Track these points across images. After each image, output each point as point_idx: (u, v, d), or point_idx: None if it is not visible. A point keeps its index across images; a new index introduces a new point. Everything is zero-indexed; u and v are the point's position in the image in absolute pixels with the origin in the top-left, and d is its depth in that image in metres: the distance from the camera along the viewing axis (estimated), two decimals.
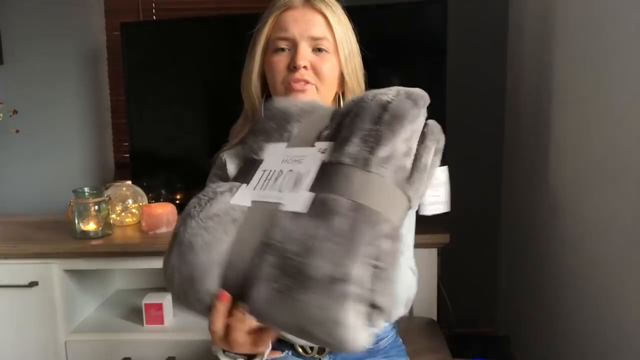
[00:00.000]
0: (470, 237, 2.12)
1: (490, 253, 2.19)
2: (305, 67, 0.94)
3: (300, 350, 1.09)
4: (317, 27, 0.95)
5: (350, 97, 0.99)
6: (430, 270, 1.64)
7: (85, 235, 1.65)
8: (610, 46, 1.33)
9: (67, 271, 1.67)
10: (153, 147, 1.97)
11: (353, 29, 1.02)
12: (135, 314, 1.77)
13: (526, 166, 1.89)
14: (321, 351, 1.08)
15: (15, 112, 2.00)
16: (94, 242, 1.62)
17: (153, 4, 2.12)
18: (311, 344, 1.07)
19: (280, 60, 0.95)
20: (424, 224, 1.79)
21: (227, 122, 2.04)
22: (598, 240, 1.40)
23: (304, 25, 0.95)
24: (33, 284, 1.62)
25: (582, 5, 1.47)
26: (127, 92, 1.93)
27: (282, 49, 0.95)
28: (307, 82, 0.95)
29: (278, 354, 1.05)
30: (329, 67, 0.96)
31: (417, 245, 1.53)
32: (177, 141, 1.94)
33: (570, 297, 1.55)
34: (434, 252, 1.64)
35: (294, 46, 0.95)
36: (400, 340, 1.18)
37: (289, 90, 0.95)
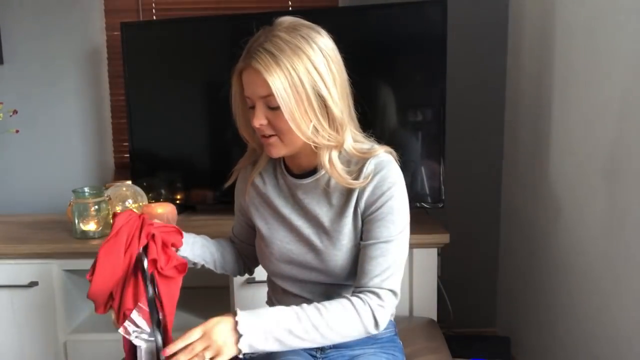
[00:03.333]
0: (470, 237, 2.12)
1: (490, 253, 2.19)
2: (262, 124, 0.98)
3: None
4: (260, 87, 0.95)
5: (323, 140, 0.99)
6: (430, 270, 1.64)
7: (85, 235, 1.65)
8: (610, 45, 1.33)
9: (67, 271, 1.67)
10: (153, 147, 1.97)
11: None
12: None
13: (526, 166, 1.89)
14: None
15: (15, 112, 2.00)
16: (94, 242, 1.62)
17: (153, 4, 2.12)
18: None
19: (252, 117, 1.00)
20: (424, 223, 1.79)
21: (227, 122, 2.04)
22: (598, 240, 1.40)
23: (253, 86, 0.97)
24: (33, 284, 1.62)
25: (582, 5, 1.47)
26: (127, 92, 1.93)
27: (252, 106, 1.00)
28: (270, 135, 1.00)
29: None
30: (283, 120, 0.96)
31: (417, 245, 1.53)
32: (177, 141, 1.94)
33: (570, 297, 1.55)
34: (434, 252, 1.64)
35: (253, 104, 0.99)
36: (400, 341, 1.20)
37: (261, 141, 1.04)
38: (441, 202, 1.72)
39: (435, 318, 1.65)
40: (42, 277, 1.62)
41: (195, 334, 0.90)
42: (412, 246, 1.61)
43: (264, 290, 1.24)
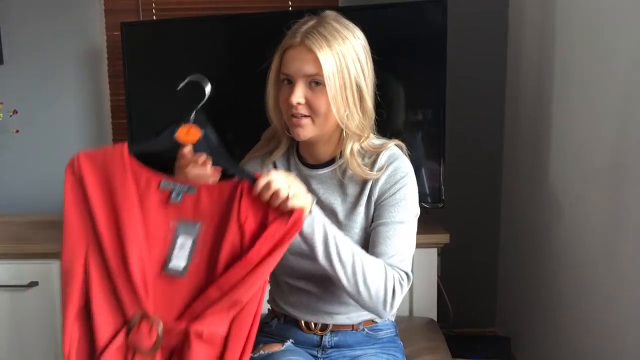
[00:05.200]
0: (470, 237, 2.12)
1: (490, 253, 2.19)
2: (299, 103, 1.01)
3: (303, 326, 1.12)
4: (310, 65, 0.99)
5: (353, 127, 1.04)
6: (430, 270, 1.64)
7: None
8: (610, 45, 1.33)
9: None
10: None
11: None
12: None
13: (526, 166, 1.89)
14: (324, 328, 1.11)
15: (15, 112, 2.00)
16: None
17: (153, 4, 2.12)
18: (315, 321, 1.12)
19: (285, 94, 1.03)
20: (424, 224, 1.79)
21: (227, 122, 2.04)
22: (598, 240, 1.40)
23: (299, 63, 1.00)
24: (33, 284, 1.62)
25: (582, 5, 1.47)
26: (127, 92, 1.93)
27: (287, 82, 1.03)
28: (303, 116, 1.02)
29: (278, 347, 1.07)
30: (323, 101, 1.01)
31: (417, 245, 1.52)
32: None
33: (570, 297, 1.55)
34: (434, 252, 1.64)
35: (293, 82, 1.02)
36: (400, 342, 1.20)
37: (290, 121, 1.05)
38: (441, 202, 1.72)
39: (435, 318, 1.65)
40: (42, 277, 1.62)
41: (275, 173, 0.93)
42: None
43: None
